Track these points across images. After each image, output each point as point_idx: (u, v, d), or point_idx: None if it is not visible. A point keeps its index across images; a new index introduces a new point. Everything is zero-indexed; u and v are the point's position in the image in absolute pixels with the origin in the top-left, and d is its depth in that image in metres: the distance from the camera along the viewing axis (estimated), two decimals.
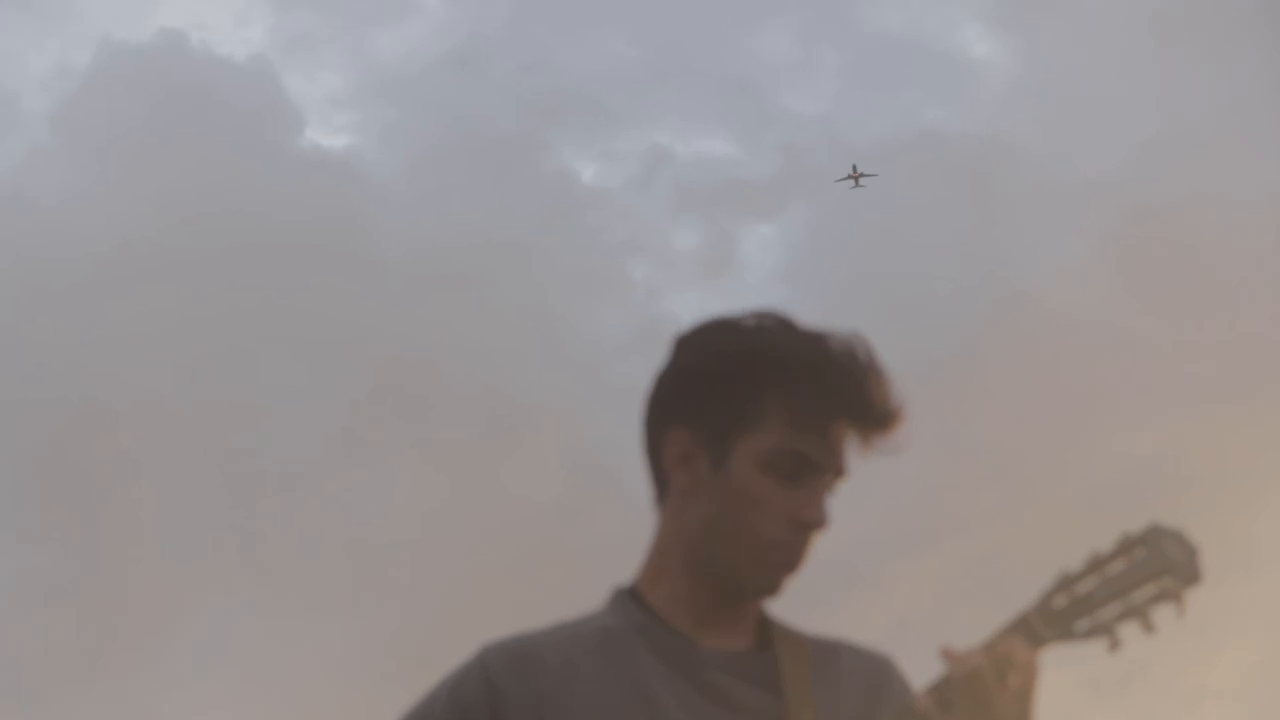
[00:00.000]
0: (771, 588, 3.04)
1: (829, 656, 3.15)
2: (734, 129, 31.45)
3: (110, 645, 24.47)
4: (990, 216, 27.48)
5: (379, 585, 25.14)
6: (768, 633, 3.12)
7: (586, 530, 22.99)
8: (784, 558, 3.00)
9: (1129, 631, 2.78)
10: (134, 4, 31.41)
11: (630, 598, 3.13)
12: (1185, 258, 25.75)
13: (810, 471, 2.95)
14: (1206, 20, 26.95)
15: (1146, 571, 2.75)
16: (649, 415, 3.07)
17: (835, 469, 2.98)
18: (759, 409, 2.93)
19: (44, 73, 28.62)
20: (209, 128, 27.67)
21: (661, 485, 3.08)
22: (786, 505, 2.95)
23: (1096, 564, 2.82)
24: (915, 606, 23.55)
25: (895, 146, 28.51)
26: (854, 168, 28.55)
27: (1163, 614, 2.76)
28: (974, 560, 24.11)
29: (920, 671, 3.01)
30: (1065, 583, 2.85)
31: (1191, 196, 25.87)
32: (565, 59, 30.59)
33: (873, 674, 3.16)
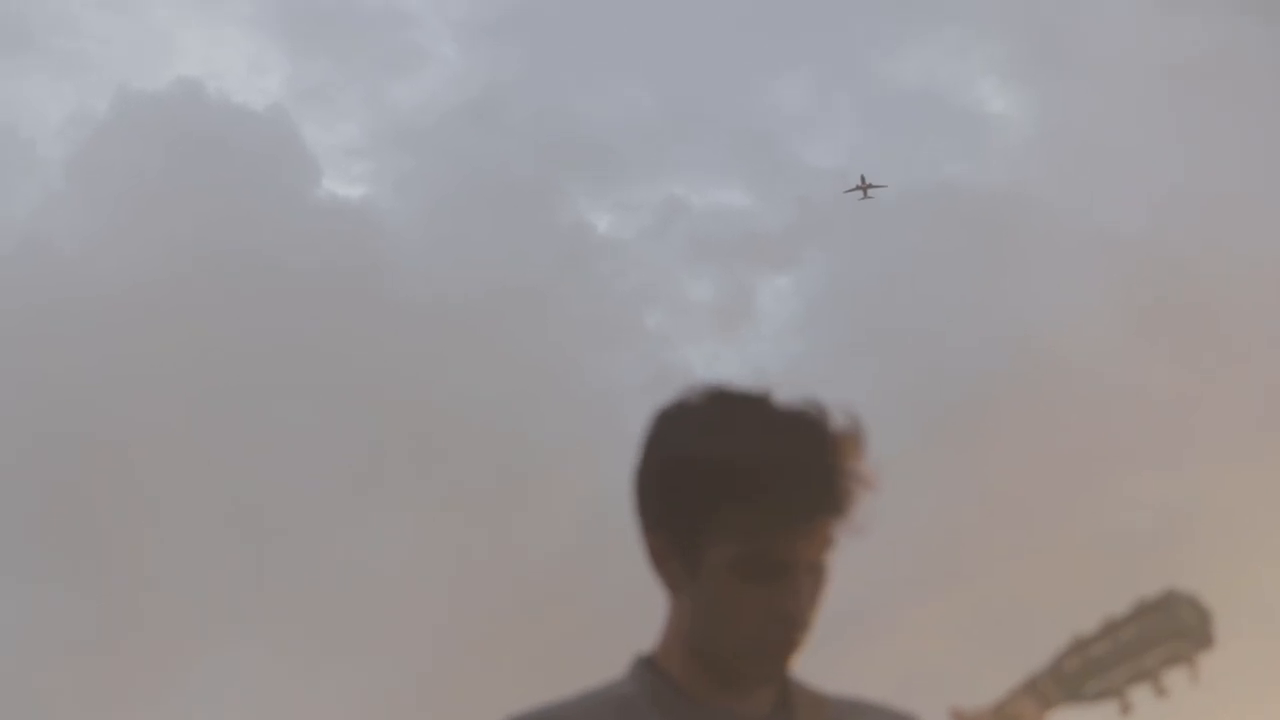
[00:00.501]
0: (771, 674, 3.04)
1: (850, 718, 3.15)
2: (749, 180, 31.54)
3: (122, 684, 24.46)
4: (1006, 269, 27.51)
5: (391, 630, 25.11)
6: (788, 695, 3.10)
7: (599, 578, 22.96)
8: (776, 648, 2.99)
9: (1140, 694, 2.79)
10: (151, 52, 31.58)
11: (649, 666, 3.13)
12: (1201, 311, 25.75)
13: (782, 569, 2.95)
14: (1224, 72, 27.02)
15: (1159, 635, 2.76)
16: (635, 510, 3.08)
17: (807, 559, 2.98)
18: (718, 518, 2.91)
19: (61, 120, 28.75)
20: (225, 176, 27.79)
21: (656, 574, 3.10)
22: (764, 603, 2.94)
23: (1110, 627, 2.83)
24: (925, 654, 23.49)
25: (911, 198, 28.58)
26: (862, 178, 28.62)
27: (1175, 677, 2.77)
28: (985, 608, 24.05)
29: None
30: (1078, 645, 2.85)
31: (1208, 250, 25.89)
32: (581, 108, 30.73)
33: None
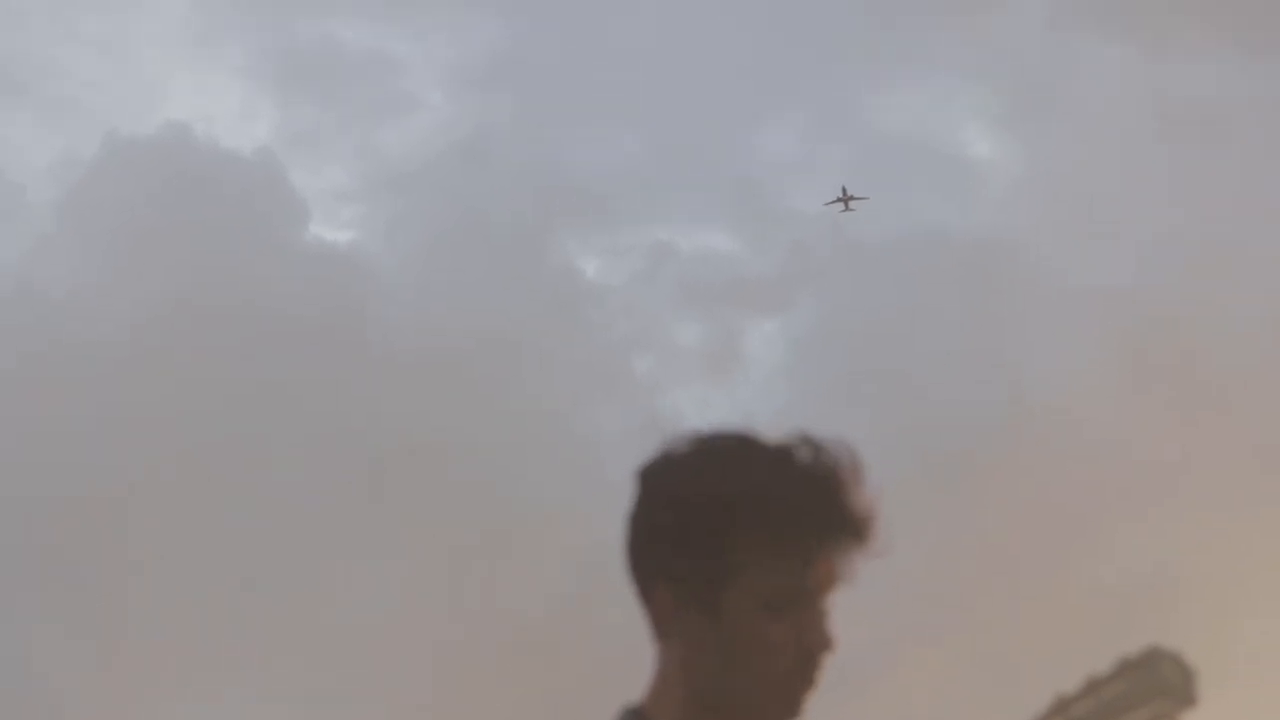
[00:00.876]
0: (795, 713, 3.02)
1: None
2: (738, 225, 31.71)
3: None
4: (994, 315, 27.54)
5: (378, 679, 25.00)
6: None
7: (588, 629, 22.88)
8: (802, 684, 2.97)
9: None
10: (141, 96, 31.73)
11: (638, 717, 3.10)
12: (1189, 362, 25.75)
13: (804, 599, 2.92)
14: (1211, 119, 27.12)
15: (1142, 694, 2.72)
16: (631, 565, 3.04)
17: (827, 587, 2.94)
18: (738, 557, 2.90)
19: (50, 164, 28.80)
20: (214, 219, 27.80)
21: (658, 628, 3.06)
22: (790, 637, 2.93)
23: (1093, 686, 2.80)
24: (914, 708, 23.41)
25: (899, 244, 28.64)
26: (843, 190, 28.72)
27: None
28: (974, 660, 23.97)
29: None
30: (1060, 705, 2.82)
31: (1196, 300, 25.93)
32: (570, 154, 30.87)
33: None
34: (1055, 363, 26.38)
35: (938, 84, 31.73)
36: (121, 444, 25.48)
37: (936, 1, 29.06)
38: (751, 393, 27.88)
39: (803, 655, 2.99)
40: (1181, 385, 25.81)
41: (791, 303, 29.62)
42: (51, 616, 24.69)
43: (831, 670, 3.01)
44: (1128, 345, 26.10)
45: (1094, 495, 25.44)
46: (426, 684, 24.70)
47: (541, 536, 25.88)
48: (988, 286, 27.72)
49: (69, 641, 24.58)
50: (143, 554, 25.29)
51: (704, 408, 26.65)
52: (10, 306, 26.31)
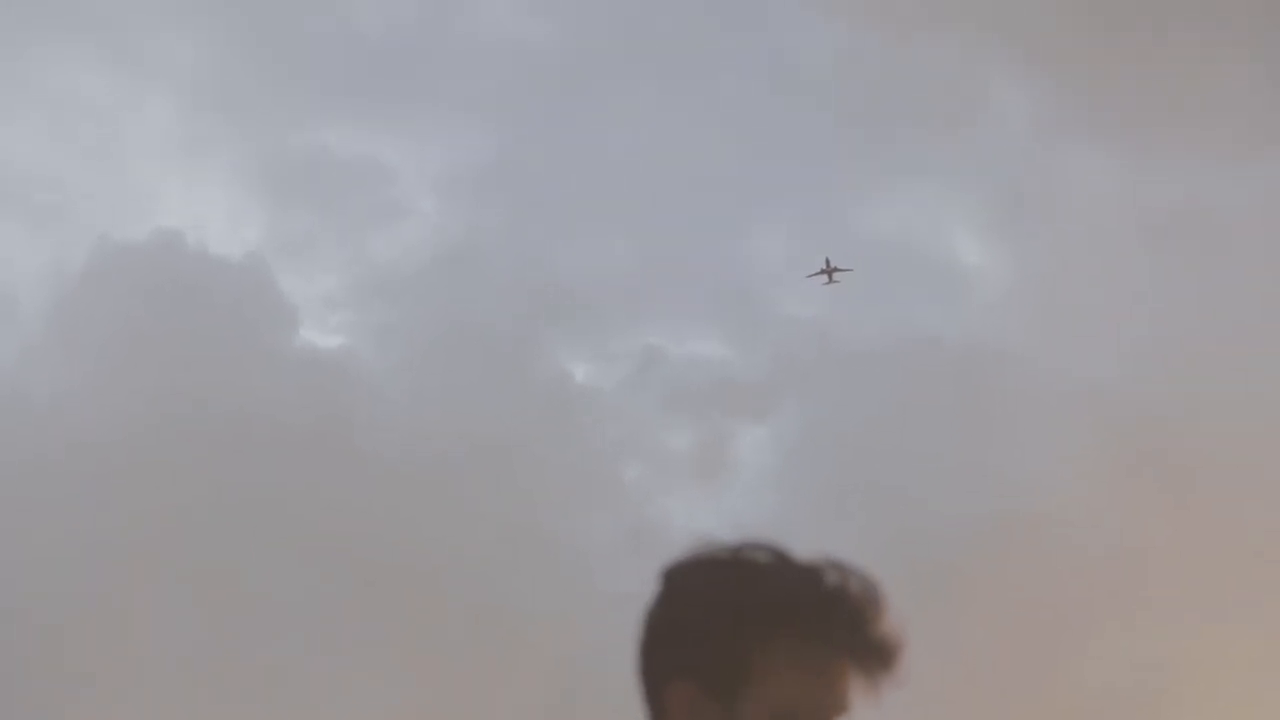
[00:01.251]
0: None
1: None
2: (727, 330, 31.70)
3: None
4: (983, 420, 27.56)
5: None
6: None
7: None
8: None
9: None
10: (131, 203, 31.73)
11: None
12: (1178, 465, 25.77)
13: (820, 715, 2.92)
14: (1196, 226, 27.29)
15: None
16: (647, 662, 3.01)
17: (842, 709, 2.94)
18: (763, 661, 2.90)
19: (40, 271, 28.83)
20: (204, 325, 27.82)
21: None
22: None
23: None
24: None
25: (887, 350, 28.69)
26: (827, 261, 28.78)
27: None
28: None
29: None
30: None
31: (1184, 402, 25.97)
32: (559, 260, 30.91)
33: None
34: (1044, 466, 26.39)
35: (925, 191, 31.92)
36: (109, 551, 25.39)
37: (923, 109, 29.29)
38: (740, 500, 27.85)
39: None
40: (1169, 485, 25.82)
41: (780, 408, 29.66)
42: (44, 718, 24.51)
43: None
44: (1116, 448, 26.13)
45: (1082, 598, 25.38)
46: None
47: (530, 644, 25.73)
48: (977, 391, 27.78)
49: None
50: (129, 660, 25.12)
51: (692, 515, 26.55)
52: None
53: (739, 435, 29.94)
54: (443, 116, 32.88)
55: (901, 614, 3.04)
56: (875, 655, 2.93)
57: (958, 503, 26.06)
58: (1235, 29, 26.63)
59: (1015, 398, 27.59)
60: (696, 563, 3.02)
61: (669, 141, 32.21)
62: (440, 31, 32.06)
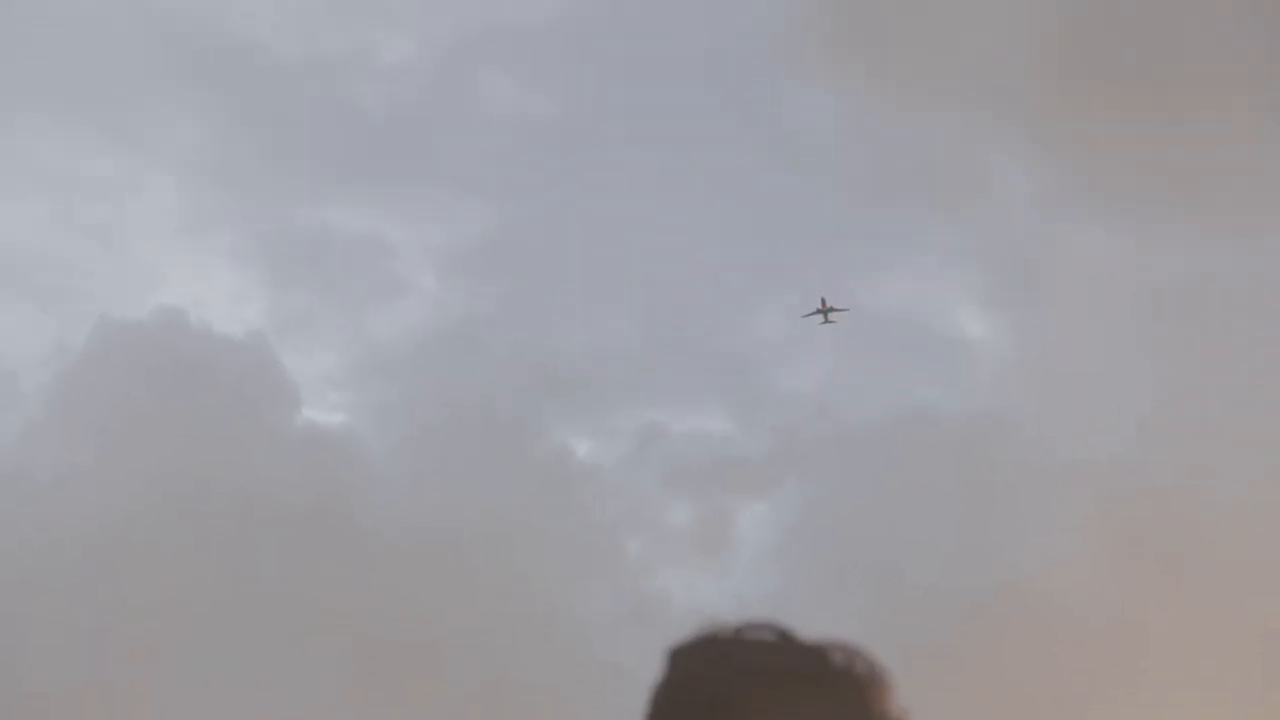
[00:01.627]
0: None
1: None
2: (728, 406, 31.88)
3: None
4: (985, 495, 27.53)
5: None
6: None
7: None
8: None
9: None
10: (133, 282, 31.95)
11: None
12: (1179, 541, 25.71)
13: None
14: (1197, 300, 27.34)
15: None
16: None
17: None
18: None
19: (42, 350, 29.02)
20: (206, 404, 27.87)
21: None
22: None
23: None
24: None
25: (888, 424, 28.73)
26: (823, 301, 28.76)
27: None
28: None
29: None
30: None
31: (1185, 478, 25.93)
32: (560, 337, 31.06)
33: None
34: (1044, 539, 26.35)
35: (926, 267, 32.14)
36: (112, 628, 25.32)
37: (926, 185, 29.43)
38: (740, 576, 27.87)
39: None
40: (1169, 560, 25.76)
41: (781, 483, 29.71)
42: None
43: None
44: (1116, 521, 26.11)
45: (1082, 672, 25.28)
46: None
47: (532, 715, 25.62)
48: (978, 465, 27.79)
49: None
50: None
51: (692, 590, 26.55)
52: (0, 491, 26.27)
53: (739, 511, 30.07)
54: (444, 194, 33.20)
55: (905, 694, 3.05)
56: None
57: (958, 577, 26.02)
58: (1235, 106, 26.78)
59: (1016, 471, 27.59)
60: (701, 643, 3.03)
61: (669, 218, 32.44)
62: (441, 110, 32.37)
